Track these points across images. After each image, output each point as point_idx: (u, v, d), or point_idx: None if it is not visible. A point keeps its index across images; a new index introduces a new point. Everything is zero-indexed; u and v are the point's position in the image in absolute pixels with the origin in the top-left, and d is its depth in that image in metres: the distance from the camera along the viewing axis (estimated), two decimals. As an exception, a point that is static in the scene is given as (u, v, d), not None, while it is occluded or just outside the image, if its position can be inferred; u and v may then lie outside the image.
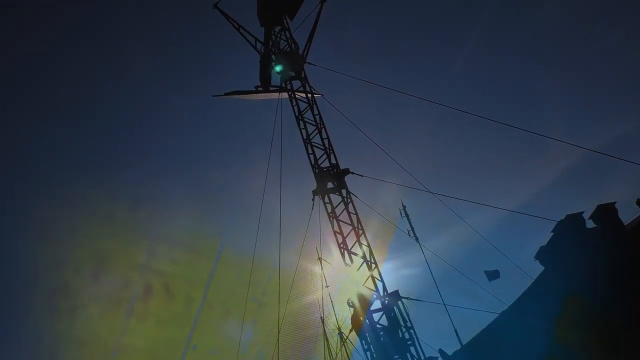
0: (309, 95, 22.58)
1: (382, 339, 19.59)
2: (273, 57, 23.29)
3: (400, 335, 19.69)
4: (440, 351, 18.38)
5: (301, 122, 22.29)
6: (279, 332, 19.30)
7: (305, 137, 22.13)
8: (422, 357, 19.28)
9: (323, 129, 22.11)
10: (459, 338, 18.52)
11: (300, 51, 23.37)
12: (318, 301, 24.92)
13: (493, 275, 19.64)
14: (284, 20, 23.73)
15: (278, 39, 23.58)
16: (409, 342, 19.58)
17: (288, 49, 23.46)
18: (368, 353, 20.13)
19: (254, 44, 23.47)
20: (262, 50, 23.31)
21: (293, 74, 23.08)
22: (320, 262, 23.84)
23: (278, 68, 22.56)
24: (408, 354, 19.42)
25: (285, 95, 22.78)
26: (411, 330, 19.80)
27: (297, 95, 22.61)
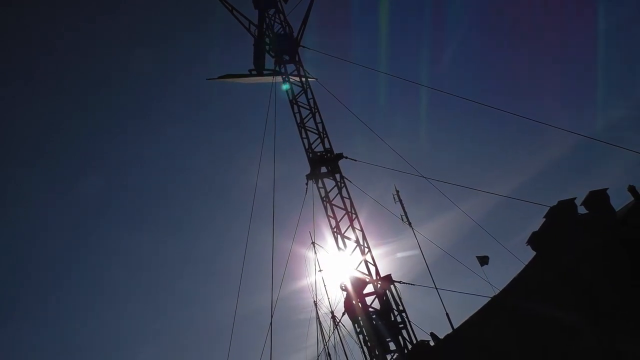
0: (303, 79, 22.47)
1: (374, 322, 19.75)
2: (267, 40, 23.12)
3: (392, 319, 19.86)
4: (432, 335, 18.52)
5: (295, 106, 22.21)
6: (272, 317, 19.37)
7: (299, 121, 22.06)
8: (414, 341, 19.47)
9: (317, 113, 22.06)
10: (450, 322, 18.70)
11: (295, 34, 23.20)
12: (311, 285, 25.06)
13: (484, 260, 19.78)
14: (278, 3, 23.50)
15: (272, 22, 23.38)
16: (400, 326, 19.75)
17: (282, 32, 23.29)
18: (360, 336, 20.30)
19: (247, 26, 23.27)
20: (256, 34, 23.11)
21: (287, 57, 22.93)
22: (314, 247, 23.93)
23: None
24: (400, 337, 19.61)
25: (279, 78, 22.65)
26: (403, 314, 19.97)
27: (291, 79, 22.49)
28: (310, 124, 21.94)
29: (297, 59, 22.85)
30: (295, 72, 22.62)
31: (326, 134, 21.87)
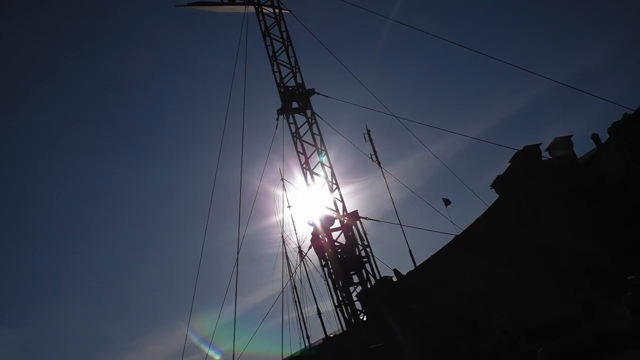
0: (277, 10, 21.75)
1: (339, 256, 20.25)
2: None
3: (357, 253, 20.40)
4: (395, 271, 19.14)
5: (267, 39, 21.61)
6: (238, 252, 19.59)
7: (271, 54, 21.54)
8: (377, 275, 20.11)
9: (290, 47, 21.53)
10: (412, 259, 19.29)
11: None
12: (280, 221, 25.38)
13: (448, 201, 20.23)
14: None
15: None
16: (365, 260, 20.33)
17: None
18: (325, 269, 20.87)
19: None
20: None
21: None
22: (283, 183, 24.03)
23: None
24: (363, 271, 20.21)
25: (251, 9, 21.87)
26: (368, 249, 20.52)
27: (264, 10, 21.76)
28: (282, 57, 21.46)
29: (270, -12, 22.01)
30: (269, 3, 21.85)
31: (298, 68, 21.47)
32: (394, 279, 19.04)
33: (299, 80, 21.39)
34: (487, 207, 15.85)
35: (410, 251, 19.37)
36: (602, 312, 11.85)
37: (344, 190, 21.03)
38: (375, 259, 20.48)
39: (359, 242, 20.51)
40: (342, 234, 20.53)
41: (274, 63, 21.47)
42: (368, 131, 21.16)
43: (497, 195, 15.44)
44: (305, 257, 24.03)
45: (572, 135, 14.80)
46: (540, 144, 14.81)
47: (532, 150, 14.74)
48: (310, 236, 21.20)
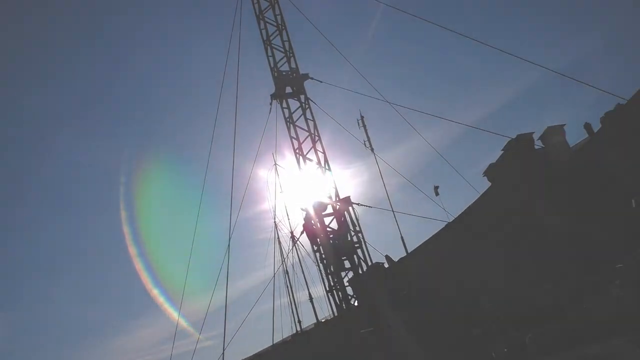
0: (271, -7, 21.50)
1: (331, 242, 20.32)
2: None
3: (349, 239, 20.47)
4: (387, 257, 19.22)
5: (262, 22, 21.38)
6: (229, 238, 19.62)
7: (265, 37, 21.33)
8: (369, 260, 20.21)
9: (284, 31, 21.33)
10: (404, 245, 19.37)
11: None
12: (272, 206, 25.39)
13: (438, 190, 20.28)
14: None
15: None
16: (356, 245, 20.41)
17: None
18: (317, 254, 20.94)
19: None
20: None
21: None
22: (276, 169, 23.97)
23: None
24: (355, 256, 20.30)
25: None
26: (359, 234, 20.59)
27: (258, -7, 21.50)
28: (276, 41, 21.26)
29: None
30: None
31: (292, 53, 21.29)
32: (386, 265, 19.13)
33: (293, 65, 21.23)
34: (480, 195, 15.93)
35: (402, 237, 19.47)
36: (591, 300, 11.98)
37: (337, 176, 21.03)
38: (367, 245, 20.61)
39: (351, 227, 20.56)
40: (335, 219, 20.58)
41: (268, 47, 21.26)
42: (362, 117, 21.10)
43: (490, 183, 15.52)
44: (297, 242, 24.05)
45: (565, 124, 14.86)
46: (533, 133, 14.87)
47: (525, 139, 14.79)
48: (302, 221, 21.24)
